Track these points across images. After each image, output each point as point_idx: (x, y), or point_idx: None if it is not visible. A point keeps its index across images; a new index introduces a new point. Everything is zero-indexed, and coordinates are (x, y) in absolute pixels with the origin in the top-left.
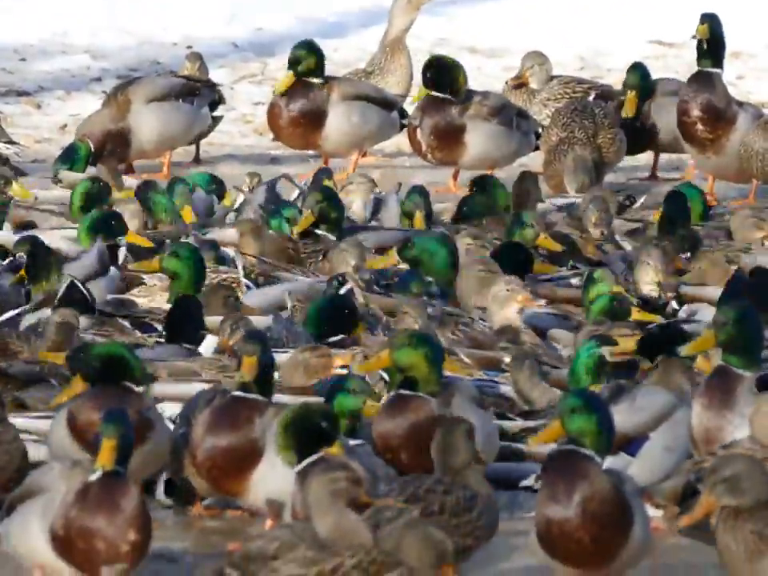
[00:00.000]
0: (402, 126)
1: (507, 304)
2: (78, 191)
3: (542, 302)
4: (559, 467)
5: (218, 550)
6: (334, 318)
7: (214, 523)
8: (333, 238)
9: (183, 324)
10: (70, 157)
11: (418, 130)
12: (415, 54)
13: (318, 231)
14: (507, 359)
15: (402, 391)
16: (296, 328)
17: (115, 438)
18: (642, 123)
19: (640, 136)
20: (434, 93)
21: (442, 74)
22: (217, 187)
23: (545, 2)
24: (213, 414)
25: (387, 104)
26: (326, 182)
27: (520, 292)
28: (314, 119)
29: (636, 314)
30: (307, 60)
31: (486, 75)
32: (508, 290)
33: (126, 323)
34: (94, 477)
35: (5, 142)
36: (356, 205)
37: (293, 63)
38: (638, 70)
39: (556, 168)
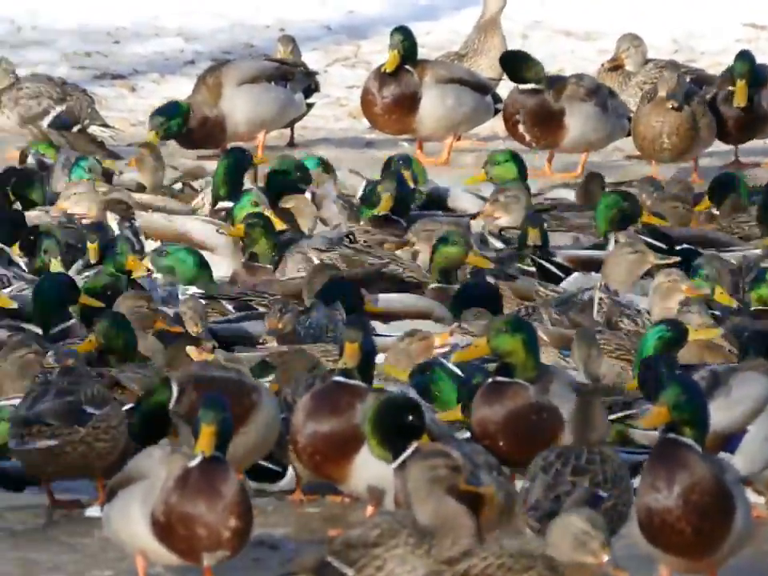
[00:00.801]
0: (496, 111)
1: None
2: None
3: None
4: (661, 456)
5: (319, 537)
6: None
7: (314, 509)
8: (404, 223)
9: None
10: (168, 112)
11: (520, 125)
12: (509, 36)
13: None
14: None
15: (500, 378)
16: (336, 316)
17: (214, 424)
18: (753, 111)
19: (751, 124)
20: (521, 86)
21: (519, 68)
22: (324, 168)
23: None
24: (314, 399)
25: (481, 87)
26: (404, 171)
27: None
28: (408, 104)
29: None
30: (405, 43)
31: (580, 58)
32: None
33: None
34: (193, 462)
35: (100, 125)
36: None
37: (396, 44)
38: (746, 58)
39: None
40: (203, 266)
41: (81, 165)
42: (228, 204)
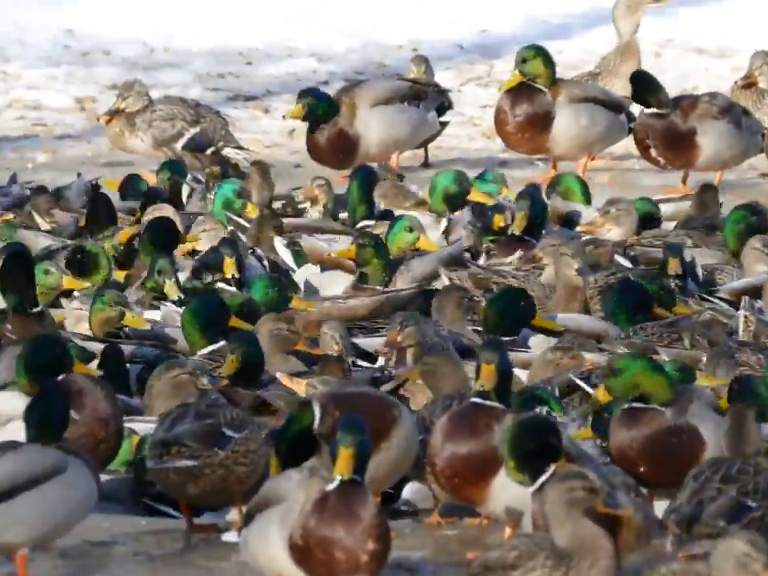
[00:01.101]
0: (630, 130)
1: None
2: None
3: None
4: None
5: (457, 559)
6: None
7: (452, 531)
8: (535, 242)
9: None
10: (319, 95)
11: (651, 150)
12: (642, 55)
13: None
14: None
15: (635, 404)
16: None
17: (353, 447)
18: None
19: None
20: (647, 111)
21: (644, 90)
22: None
23: None
24: (451, 421)
25: (615, 106)
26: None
27: None
28: (541, 123)
29: None
30: (534, 62)
31: (714, 76)
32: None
33: None
34: (331, 486)
35: (233, 147)
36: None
37: (518, 63)
38: None
39: None
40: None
41: (225, 190)
42: (368, 222)
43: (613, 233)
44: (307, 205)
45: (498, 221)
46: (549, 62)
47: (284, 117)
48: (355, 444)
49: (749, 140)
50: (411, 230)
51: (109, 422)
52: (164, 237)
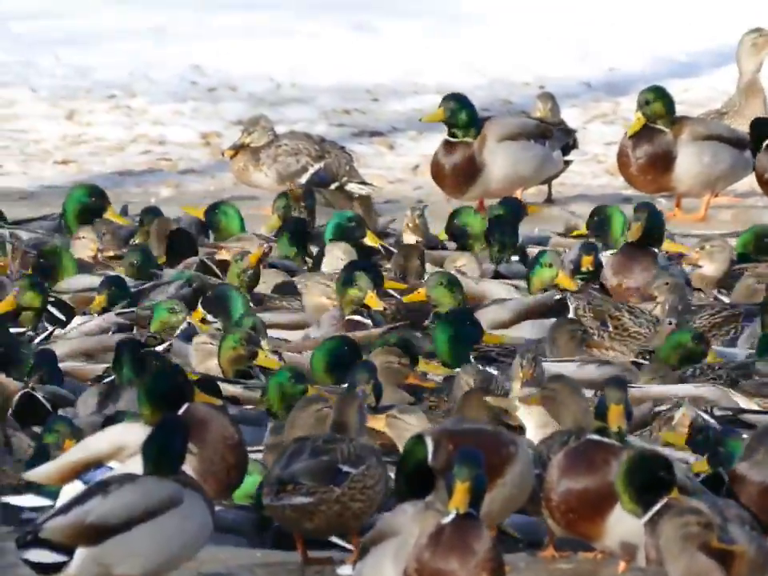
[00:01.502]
0: (754, 165)
1: None
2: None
3: None
4: None
5: None
6: None
7: (566, 565)
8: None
9: None
10: (463, 100)
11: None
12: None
13: None
14: None
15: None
16: None
17: (469, 481)
18: None
19: None
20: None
21: (763, 136)
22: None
23: None
24: (568, 457)
25: (739, 143)
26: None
27: None
28: (663, 163)
29: None
30: (654, 104)
31: None
32: None
33: None
34: (447, 519)
35: (357, 183)
36: None
37: (642, 105)
38: None
39: None
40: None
41: (337, 220)
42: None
43: (706, 269)
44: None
45: (587, 262)
46: (669, 102)
47: (420, 120)
48: (471, 478)
49: None
50: (550, 266)
51: (237, 447)
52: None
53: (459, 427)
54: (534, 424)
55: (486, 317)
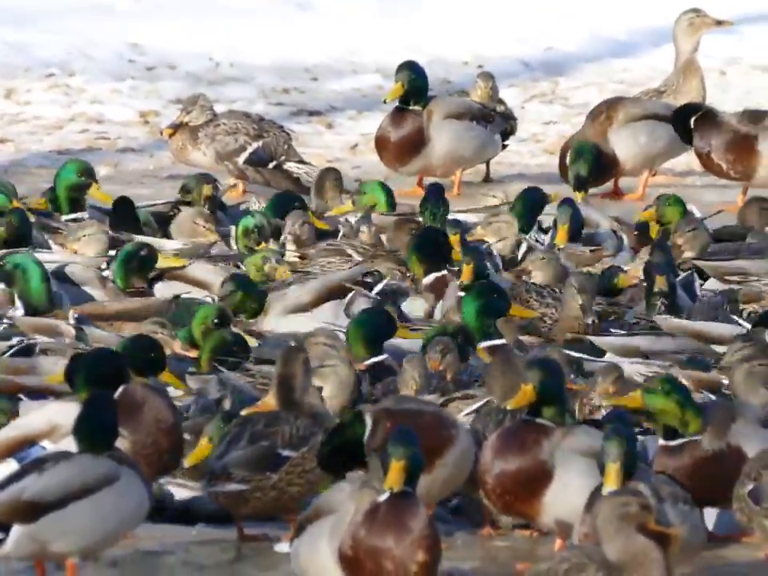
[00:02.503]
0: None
1: None
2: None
3: None
4: None
5: (508, 571)
6: None
7: (503, 543)
8: None
9: None
10: (419, 70)
11: (712, 154)
12: (707, 72)
13: None
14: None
15: (669, 443)
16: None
17: (404, 459)
18: None
19: None
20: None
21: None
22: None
23: None
24: (500, 438)
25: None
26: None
27: None
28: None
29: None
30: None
31: None
32: None
33: None
34: (382, 497)
35: (296, 162)
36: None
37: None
38: None
39: None
40: None
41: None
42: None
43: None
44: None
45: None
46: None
47: (385, 101)
48: (407, 457)
49: None
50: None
51: (171, 430)
52: None
53: (400, 407)
54: None
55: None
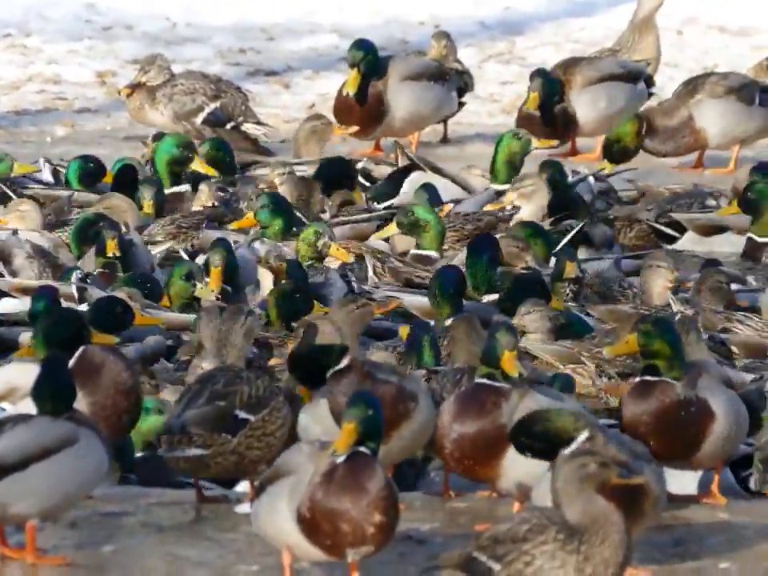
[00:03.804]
0: (650, 95)
1: None
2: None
3: None
4: None
5: (466, 532)
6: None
7: (462, 504)
8: None
9: None
10: (369, 47)
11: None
12: (663, 32)
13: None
14: None
15: (647, 377)
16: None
17: (354, 422)
18: None
19: None
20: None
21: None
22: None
23: None
24: (458, 402)
25: (631, 76)
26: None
27: None
28: (564, 119)
29: None
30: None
31: (735, 54)
32: None
33: None
34: (341, 458)
35: (253, 123)
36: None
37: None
38: None
39: None
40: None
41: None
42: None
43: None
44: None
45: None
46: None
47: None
48: (358, 419)
49: (766, 115)
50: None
51: (130, 392)
52: None
53: (366, 370)
54: None
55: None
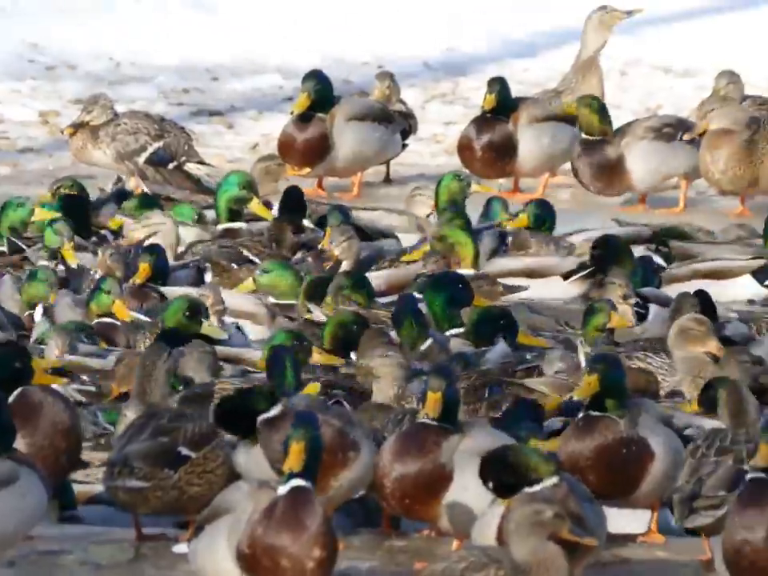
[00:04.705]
0: None
1: None
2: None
3: None
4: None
5: (405, 570)
6: None
7: (400, 542)
8: None
9: None
10: (322, 77)
11: (580, 170)
12: (607, 73)
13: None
14: None
15: (592, 412)
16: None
17: (303, 441)
18: None
19: None
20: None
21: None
22: None
23: (738, 21)
24: (398, 442)
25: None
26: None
27: None
28: (505, 150)
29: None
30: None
31: (678, 95)
32: None
33: None
34: (281, 491)
35: (196, 162)
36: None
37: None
38: None
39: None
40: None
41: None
42: None
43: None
44: None
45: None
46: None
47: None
48: (306, 439)
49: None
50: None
51: (68, 432)
52: None
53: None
54: None
55: None
